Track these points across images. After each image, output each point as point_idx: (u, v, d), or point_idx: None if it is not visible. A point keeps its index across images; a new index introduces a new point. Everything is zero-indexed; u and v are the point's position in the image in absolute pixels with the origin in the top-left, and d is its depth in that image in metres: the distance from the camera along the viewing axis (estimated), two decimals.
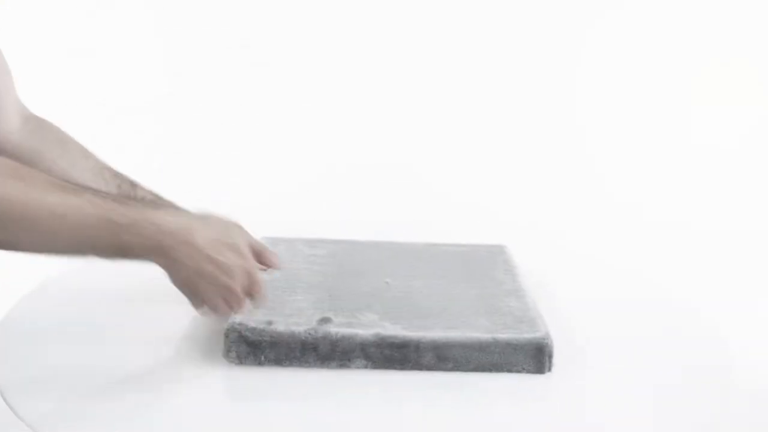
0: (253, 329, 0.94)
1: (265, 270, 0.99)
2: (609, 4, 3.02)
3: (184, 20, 2.91)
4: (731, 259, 2.52)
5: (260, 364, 0.94)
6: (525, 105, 2.98)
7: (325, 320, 0.96)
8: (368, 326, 0.96)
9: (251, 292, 0.94)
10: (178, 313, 1.07)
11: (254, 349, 0.94)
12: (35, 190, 0.84)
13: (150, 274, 1.21)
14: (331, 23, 3.00)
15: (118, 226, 0.86)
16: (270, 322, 0.95)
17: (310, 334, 0.94)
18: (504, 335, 0.95)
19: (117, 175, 1.17)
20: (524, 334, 0.95)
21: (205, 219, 0.93)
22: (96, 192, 0.89)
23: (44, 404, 0.87)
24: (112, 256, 0.88)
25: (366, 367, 0.94)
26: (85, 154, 1.16)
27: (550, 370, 0.94)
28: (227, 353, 0.94)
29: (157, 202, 1.07)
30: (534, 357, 0.94)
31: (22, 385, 0.90)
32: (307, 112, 2.87)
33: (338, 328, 0.95)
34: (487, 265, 1.17)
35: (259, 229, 1.28)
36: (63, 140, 1.16)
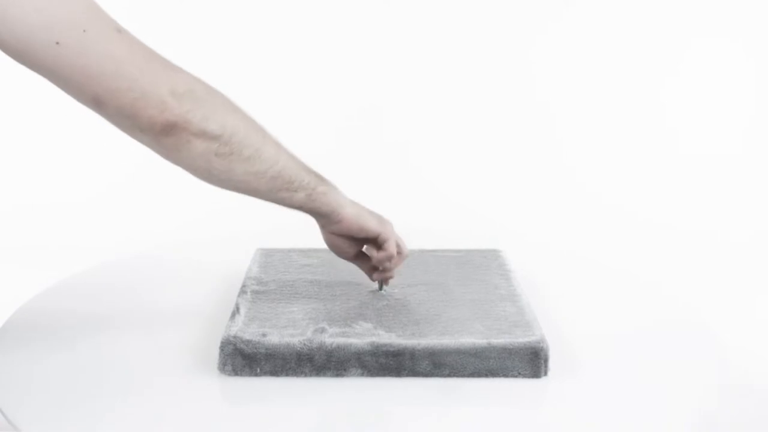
0: (248, 342, 0.94)
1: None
2: (607, 6, 3.02)
3: (172, 23, 2.91)
4: (725, 259, 2.53)
5: (256, 376, 0.94)
6: (518, 110, 2.98)
7: (319, 330, 0.96)
8: (363, 335, 0.96)
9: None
10: (173, 326, 1.08)
11: (250, 361, 0.94)
12: (259, 127, 0.96)
13: (144, 290, 1.22)
14: (315, 26, 3.00)
15: (318, 178, 1.01)
16: (264, 334, 0.95)
17: (305, 344, 0.94)
18: (499, 340, 0.95)
19: None
20: (519, 339, 0.95)
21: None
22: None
23: (37, 413, 0.87)
24: (296, 203, 1.01)
25: (362, 375, 0.94)
26: None
27: (546, 374, 0.94)
28: (223, 366, 0.94)
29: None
30: (530, 361, 0.94)
31: (15, 392, 0.90)
32: (295, 119, 2.87)
33: (333, 338, 0.94)
34: (481, 270, 1.17)
35: (254, 240, 1.28)
36: None
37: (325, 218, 1.04)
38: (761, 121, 2.97)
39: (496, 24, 3.01)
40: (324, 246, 1.09)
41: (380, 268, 1.09)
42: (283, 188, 0.98)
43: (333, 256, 1.20)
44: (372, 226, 1.05)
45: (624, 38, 3.00)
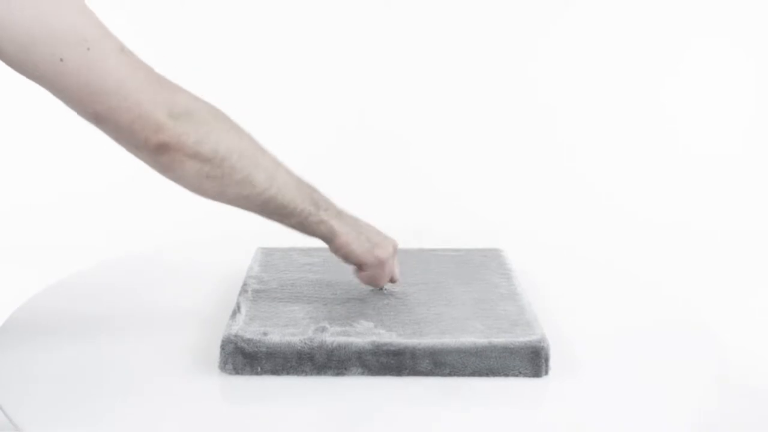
0: (249, 340, 0.94)
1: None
2: (608, 7, 3.02)
3: (168, 23, 2.91)
4: (725, 259, 2.53)
5: (257, 375, 0.94)
6: (519, 110, 2.98)
7: (320, 329, 0.96)
8: (364, 334, 0.95)
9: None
10: (173, 326, 1.08)
11: (251, 360, 0.94)
12: (256, 151, 0.96)
13: (144, 290, 1.21)
14: (319, 26, 3.00)
15: (314, 205, 1.01)
16: (265, 333, 0.95)
17: (305, 343, 0.94)
18: (500, 339, 0.95)
19: None
20: (520, 338, 0.95)
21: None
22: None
23: (37, 413, 0.87)
24: (289, 226, 1.02)
25: (363, 374, 0.94)
26: None
27: (546, 373, 0.94)
28: (224, 365, 0.94)
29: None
30: (530, 360, 0.94)
31: (15, 391, 0.90)
32: (296, 119, 2.87)
33: (334, 337, 0.94)
34: (482, 269, 1.17)
35: (254, 239, 1.28)
36: None
37: (322, 241, 1.06)
38: (761, 121, 2.97)
39: (495, 24, 3.01)
40: (324, 245, 1.09)
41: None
42: (274, 213, 1.00)
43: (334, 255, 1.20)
44: (358, 257, 1.05)
45: (624, 38, 3.00)
